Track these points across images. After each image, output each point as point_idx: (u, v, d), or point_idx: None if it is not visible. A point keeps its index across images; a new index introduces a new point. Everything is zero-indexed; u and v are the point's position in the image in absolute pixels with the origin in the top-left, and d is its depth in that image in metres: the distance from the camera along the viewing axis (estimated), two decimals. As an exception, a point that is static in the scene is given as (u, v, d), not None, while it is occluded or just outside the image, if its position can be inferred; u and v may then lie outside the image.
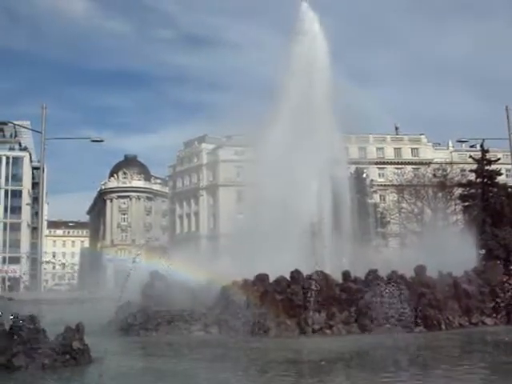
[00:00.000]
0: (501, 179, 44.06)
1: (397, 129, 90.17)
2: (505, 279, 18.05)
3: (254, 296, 15.55)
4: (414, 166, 79.10)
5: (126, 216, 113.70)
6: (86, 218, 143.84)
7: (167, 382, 9.41)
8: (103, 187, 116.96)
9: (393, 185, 72.35)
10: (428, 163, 78.74)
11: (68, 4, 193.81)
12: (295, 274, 15.93)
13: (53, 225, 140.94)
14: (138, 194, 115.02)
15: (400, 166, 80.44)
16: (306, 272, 15.92)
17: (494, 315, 17.02)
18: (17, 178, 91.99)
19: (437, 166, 69.03)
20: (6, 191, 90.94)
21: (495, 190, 41.26)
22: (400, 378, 9.29)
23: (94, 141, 41.96)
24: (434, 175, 64.23)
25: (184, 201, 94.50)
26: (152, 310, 15.80)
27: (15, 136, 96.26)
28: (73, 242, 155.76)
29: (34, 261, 64.02)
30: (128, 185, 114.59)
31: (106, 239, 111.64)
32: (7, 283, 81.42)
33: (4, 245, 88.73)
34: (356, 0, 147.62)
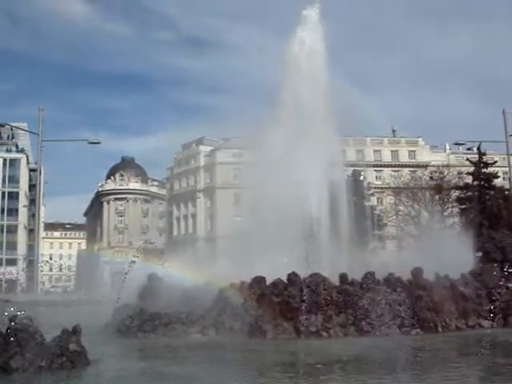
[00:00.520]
0: (498, 182, 44.25)
1: (394, 131, 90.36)
2: (501, 282, 18.09)
3: (251, 298, 15.55)
4: (411, 169, 79.28)
5: (123, 218, 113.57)
6: (82, 220, 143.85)
7: (164, 384, 9.41)
8: (100, 189, 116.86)
9: (390, 187, 72.54)
10: (425, 166, 78.96)
11: (68, 6, 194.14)
12: (292, 277, 15.93)
13: (50, 227, 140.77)
14: (135, 195, 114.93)
15: (397, 169, 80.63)
16: (303, 274, 15.94)
17: (491, 318, 17.05)
18: (14, 179, 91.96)
19: (434, 168, 69.25)
20: (3, 193, 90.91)
21: (492, 192, 41.40)
22: (397, 380, 9.30)
23: (91, 143, 41.85)
24: (431, 178, 64.39)
25: (181, 203, 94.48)
26: (149, 312, 15.79)
27: (12, 138, 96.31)
28: (70, 244, 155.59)
29: (31, 263, 63.89)
30: (125, 187, 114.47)
31: (103, 241, 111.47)
32: (4, 285, 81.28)
33: (1, 247, 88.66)
34: (355, 3, 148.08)
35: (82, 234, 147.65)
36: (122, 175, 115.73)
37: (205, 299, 16.12)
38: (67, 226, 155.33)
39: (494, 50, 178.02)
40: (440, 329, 15.80)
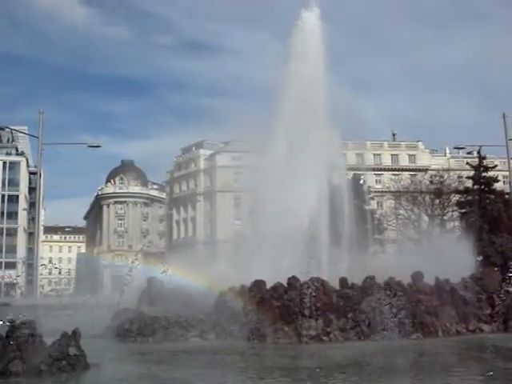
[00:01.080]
0: (498, 186, 44.17)
1: (394, 135, 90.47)
2: (502, 286, 18.07)
3: (251, 302, 15.53)
4: (411, 173, 79.28)
5: (122, 221, 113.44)
6: (82, 224, 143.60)
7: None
8: (100, 192, 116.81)
9: (390, 191, 72.48)
10: (425, 170, 78.97)
11: (68, 10, 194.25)
12: (292, 281, 15.91)
13: (49, 230, 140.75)
14: (135, 199, 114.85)
15: (397, 173, 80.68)
16: (303, 278, 15.91)
17: (492, 322, 17.03)
18: (13, 183, 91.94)
19: (434, 172, 69.19)
20: (3, 196, 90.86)
21: (492, 196, 41.36)
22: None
23: (91, 146, 41.86)
24: (431, 182, 64.36)
25: (181, 206, 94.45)
26: (149, 316, 15.74)
27: (12, 141, 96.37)
28: (69, 247, 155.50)
29: (31, 266, 63.81)
30: (125, 190, 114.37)
31: (102, 245, 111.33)
32: (3, 289, 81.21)
33: (0, 250, 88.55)
34: (355, 7, 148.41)
35: (81, 237, 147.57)
36: (121, 179, 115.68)
37: (204, 303, 16.09)
38: (67, 229, 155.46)
39: (494, 53, 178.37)
40: (440, 333, 15.78)
